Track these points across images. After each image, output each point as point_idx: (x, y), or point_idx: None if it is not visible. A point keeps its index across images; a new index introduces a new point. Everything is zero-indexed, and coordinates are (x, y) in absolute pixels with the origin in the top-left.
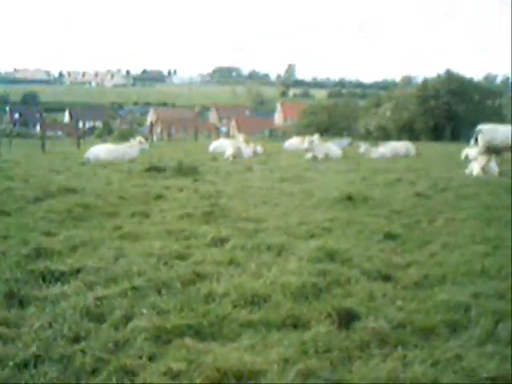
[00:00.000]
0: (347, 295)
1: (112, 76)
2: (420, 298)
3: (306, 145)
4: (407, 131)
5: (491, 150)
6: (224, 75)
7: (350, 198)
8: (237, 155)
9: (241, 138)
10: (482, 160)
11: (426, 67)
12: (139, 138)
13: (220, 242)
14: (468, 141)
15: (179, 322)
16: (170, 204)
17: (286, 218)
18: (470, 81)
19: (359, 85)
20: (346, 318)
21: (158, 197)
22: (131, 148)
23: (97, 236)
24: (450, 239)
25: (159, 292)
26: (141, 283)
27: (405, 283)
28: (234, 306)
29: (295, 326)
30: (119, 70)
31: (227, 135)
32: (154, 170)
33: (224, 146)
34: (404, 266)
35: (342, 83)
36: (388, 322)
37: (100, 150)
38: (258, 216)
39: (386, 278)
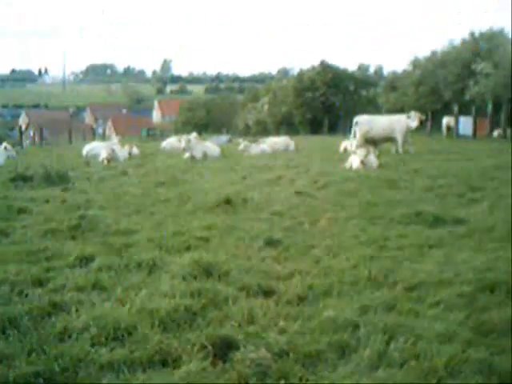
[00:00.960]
0: (224, 318)
1: None
2: (305, 316)
3: (183, 144)
4: (286, 125)
5: (369, 142)
6: (98, 73)
7: (228, 202)
8: (111, 158)
9: (115, 139)
10: (361, 153)
11: (301, 59)
12: (4, 144)
13: (85, 261)
14: (345, 132)
15: (25, 369)
16: (34, 218)
17: (160, 229)
18: (345, 71)
19: (236, 78)
20: (223, 349)
21: (22, 211)
22: None
23: None
24: (334, 242)
25: (3, 333)
26: None
27: (288, 297)
28: (93, 344)
29: (164, 364)
30: None
31: (104, 136)
32: (20, 179)
33: (98, 148)
34: (287, 276)
35: (219, 78)
36: (270, 349)
37: None
38: (129, 227)
39: (268, 293)
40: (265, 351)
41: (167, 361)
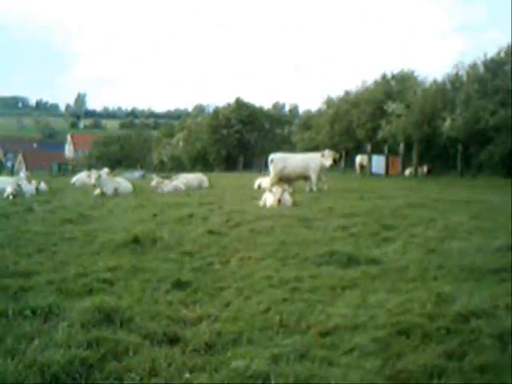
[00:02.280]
0: (124, 371)
1: None
2: (212, 366)
3: (93, 180)
4: (201, 161)
5: (283, 179)
6: (8, 105)
7: (137, 241)
8: (17, 194)
9: (23, 174)
10: (277, 191)
11: (217, 96)
12: None
13: None
14: (260, 170)
15: None
16: None
17: (61, 270)
18: (260, 109)
19: (152, 114)
20: None
21: None
22: None
23: None
24: (245, 283)
25: None
26: None
27: (195, 345)
28: None
29: None
30: None
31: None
32: None
33: (3, 183)
34: (195, 321)
35: (134, 113)
36: None
37: None
38: (28, 269)
39: (174, 341)
40: None
41: None
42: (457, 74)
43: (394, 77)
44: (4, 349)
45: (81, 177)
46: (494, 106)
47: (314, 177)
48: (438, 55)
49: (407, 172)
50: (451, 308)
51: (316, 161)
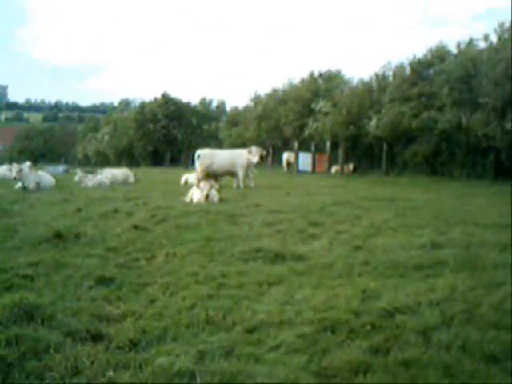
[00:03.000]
0: (45, 369)
1: None
2: (136, 363)
3: (14, 173)
4: (127, 156)
5: (210, 175)
6: None
7: (59, 236)
8: None
9: None
10: (204, 187)
11: (143, 91)
12: None
13: None
14: (187, 165)
15: None
16: None
17: None
18: (187, 105)
19: (76, 108)
20: None
21: None
22: None
23: None
24: (171, 279)
25: None
26: None
27: (119, 342)
28: None
29: None
30: None
31: None
32: None
33: None
34: (119, 317)
35: (58, 106)
36: None
37: None
38: None
39: (97, 338)
40: None
41: None
42: (383, 74)
43: (321, 75)
44: None
45: (1, 170)
46: (416, 110)
47: (240, 173)
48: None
49: (333, 169)
50: (376, 304)
51: (243, 157)
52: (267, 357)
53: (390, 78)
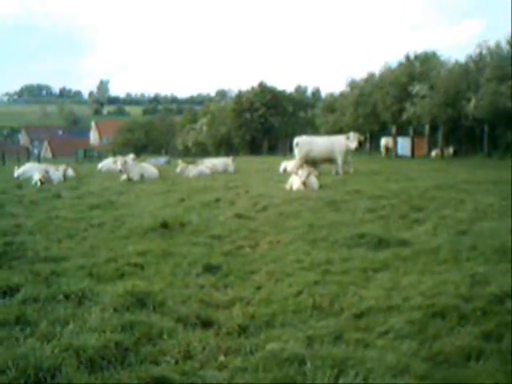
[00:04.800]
0: (159, 354)
1: None
2: (246, 349)
3: (119, 166)
4: (225, 146)
5: (309, 162)
6: (33, 93)
7: (165, 225)
8: (45, 180)
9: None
10: (303, 174)
11: (240, 81)
12: None
13: (9, 292)
14: (284, 153)
15: None
16: None
17: (92, 255)
18: (283, 93)
19: (174, 100)
20: None
21: None
22: None
23: None
24: (275, 266)
25: None
26: None
27: (228, 328)
28: None
29: None
30: None
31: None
32: None
33: (31, 170)
34: (227, 304)
35: (157, 99)
36: None
37: None
38: (60, 254)
39: (207, 324)
40: None
41: None
42: (480, 54)
43: (416, 58)
44: (40, 333)
45: (107, 163)
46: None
47: (339, 159)
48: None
49: (433, 153)
50: (486, 289)
51: (341, 143)
52: (376, 342)
53: (488, 58)
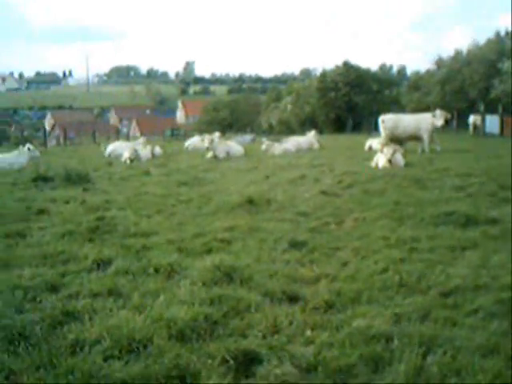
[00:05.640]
0: (247, 328)
1: (3, 80)
2: (333, 325)
3: (206, 144)
4: (309, 124)
5: (394, 140)
6: (122, 75)
7: (251, 202)
8: (134, 158)
9: (141, 139)
10: (388, 151)
11: (323, 59)
12: (28, 145)
13: (102, 265)
14: (369, 132)
15: None
16: (53, 220)
17: (180, 230)
18: (368, 71)
19: (259, 79)
20: (245, 363)
21: (40, 211)
22: (20, 156)
23: None
24: (361, 243)
25: (12, 344)
26: None
27: (314, 303)
28: (106, 358)
29: (182, 380)
30: (11, 74)
31: (128, 136)
32: (41, 179)
33: (121, 148)
34: (313, 280)
35: (241, 78)
36: (296, 363)
37: None
38: (149, 229)
39: (293, 299)
40: (290, 366)
41: (185, 376)
42: None
43: (507, 34)
44: (132, 305)
45: (193, 141)
46: None
47: (425, 137)
48: None
49: None
50: None
51: (427, 121)
52: (465, 321)
53: None
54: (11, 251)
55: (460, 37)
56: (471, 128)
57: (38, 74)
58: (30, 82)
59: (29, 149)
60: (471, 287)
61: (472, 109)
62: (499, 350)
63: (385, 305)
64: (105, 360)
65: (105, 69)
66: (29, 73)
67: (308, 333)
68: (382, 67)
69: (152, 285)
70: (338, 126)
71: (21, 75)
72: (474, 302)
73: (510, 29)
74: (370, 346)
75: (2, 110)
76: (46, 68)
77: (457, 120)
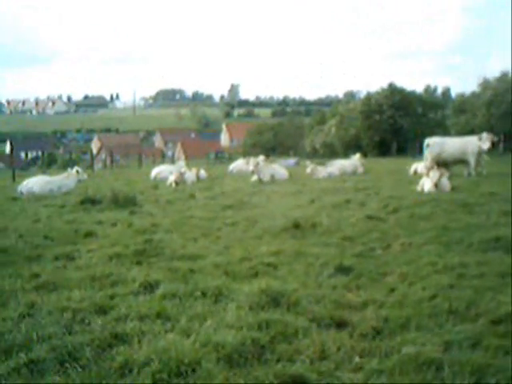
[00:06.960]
0: (295, 353)
1: (53, 103)
2: (381, 352)
3: (251, 167)
4: (353, 147)
5: (440, 164)
6: (167, 98)
7: (297, 226)
8: (179, 181)
9: (182, 162)
10: (434, 175)
11: (368, 82)
12: (76, 168)
13: (149, 288)
14: (414, 155)
15: None
16: (100, 242)
17: (226, 253)
18: (413, 93)
19: (303, 102)
20: None
21: (88, 234)
22: (68, 179)
23: (9, 287)
24: (408, 269)
25: (62, 365)
26: (41, 354)
27: (362, 330)
28: (155, 380)
29: None
30: (60, 97)
31: (173, 159)
32: (89, 202)
33: (166, 171)
34: (360, 306)
35: (285, 101)
36: None
37: (34, 183)
38: (195, 252)
39: (341, 325)
40: None
41: None
42: None
43: None
44: (179, 328)
45: (238, 164)
46: None
47: (472, 161)
48: None
49: None
50: None
51: (474, 144)
52: None
53: None
54: (60, 273)
55: (504, 58)
56: None
57: (86, 97)
58: (78, 105)
59: (77, 171)
60: None
61: None
62: None
63: (434, 332)
64: (154, 383)
65: (151, 92)
66: (77, 96)
67: (356, 359)
68: (427, 89)
69: (199, 308)
70: (383, 149)
71: (69, 98)
72: None
73: None
74: (420, 373)
75: (50, 133)
76: (93, 91)
77: (504, 143)
